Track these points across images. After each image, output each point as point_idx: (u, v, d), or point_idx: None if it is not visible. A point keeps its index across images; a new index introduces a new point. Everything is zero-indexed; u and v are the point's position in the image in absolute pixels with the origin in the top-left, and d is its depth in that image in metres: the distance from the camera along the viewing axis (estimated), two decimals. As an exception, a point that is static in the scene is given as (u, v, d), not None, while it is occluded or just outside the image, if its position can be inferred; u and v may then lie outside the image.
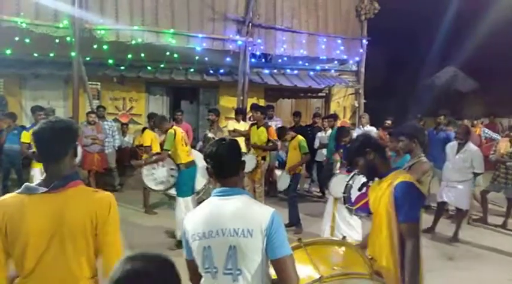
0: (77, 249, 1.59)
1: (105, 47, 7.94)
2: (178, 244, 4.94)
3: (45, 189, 1.60)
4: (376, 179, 2.32)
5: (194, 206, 5.21)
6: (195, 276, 1.80)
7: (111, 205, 1.67)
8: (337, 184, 4.73)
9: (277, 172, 8.87)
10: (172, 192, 5.56)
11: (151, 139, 6.40)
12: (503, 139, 6.57)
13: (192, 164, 5.31)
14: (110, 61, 8.48)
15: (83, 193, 1.67)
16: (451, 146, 5.76)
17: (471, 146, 5.59)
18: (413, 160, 3.40)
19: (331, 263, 1.95)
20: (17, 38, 7.26)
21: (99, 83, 9.38)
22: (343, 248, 2.15)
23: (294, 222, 5.87)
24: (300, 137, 5.99)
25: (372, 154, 2.26)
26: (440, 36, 13.74)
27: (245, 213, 1.68)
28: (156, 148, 6.32)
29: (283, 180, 5.93)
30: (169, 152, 5.16)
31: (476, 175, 5.63)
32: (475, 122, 8.87)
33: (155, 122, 5.77)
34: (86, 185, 1.77)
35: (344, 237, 2.27)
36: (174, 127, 5.32)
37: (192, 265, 1.79)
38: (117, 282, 1.05)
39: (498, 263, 4.92)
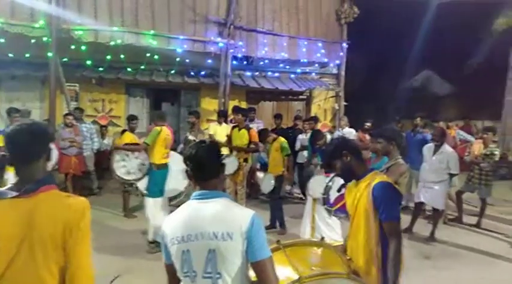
0: (47, 256, 1.54)
1: (83, 47, 7.79)
2: (154, 246, 4.93)
3: (15, 194, 1.56)
4: (353, 181, 2.35)
5: (164, 208, 5.19)
6: (174, 280, 1.79)
7: (84, 211, 1.62)
8: (316, 185, 4.78)
9: (259, 174, 8.89)
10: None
11: (130, 141, 6.32)
12: (477, 141, 6.78)
13: (164, 167, 5.25)
14: (88, 62, 8.32)
15: (55, 197, 1.62)
16: (428, 148, 5.91)
17: (447, 148, 5.75)
18: (391, 162, 3.48)
19: (310, 264, 1.97)
20: (-9, 38, 7.07)
21: (77, 84, 9.18)
22: (322, 249, 2.18)
23: (279, 223, 5.92)
24: (281, 139, 6.04)
25: (349, 156, 2.29)
26: (418, 41, 14.11)
27: (225, 216, 1.68)
28: None
29: (267, 182, 5.93)
30: (147, 147, 5.14)
31: (451, 175, 5.79)
32: (450, 124, 9.11)
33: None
34: (63, 189, 1.73)
35: (323, 238, 2.29)
36: (163, 127, 5.28)
37: (171, 269, 1.78)
38: None
39: (473, 262, 5.06)
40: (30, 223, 1.54)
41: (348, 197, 2.40)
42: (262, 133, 6.18)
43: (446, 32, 13.23)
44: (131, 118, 6.55)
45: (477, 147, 6.49)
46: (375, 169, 2.49)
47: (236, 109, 6.68)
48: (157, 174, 5.21)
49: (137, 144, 5.65)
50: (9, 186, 1.62)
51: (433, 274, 4.63)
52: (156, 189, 5.21)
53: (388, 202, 2.13)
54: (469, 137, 8.50)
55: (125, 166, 5.36)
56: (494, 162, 6.27)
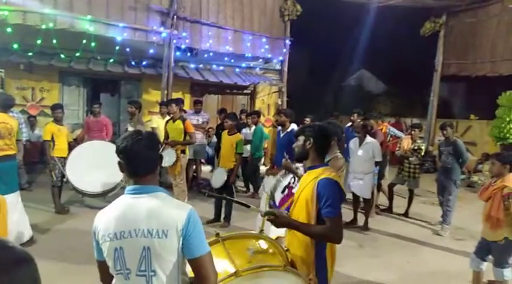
0: None
1: (9, 29, 7.12)
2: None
3: None
4: (308, 171, 2.40)
5: (14, 207, 4.46)
6: (107, 277, 1.71)
7: (0, 207, 1.50)
8: (270, 182, 4.79)
9: (204, 167, 8.79)
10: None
11: (51, 132, 5.94)
12: (406, 137, 7.31)
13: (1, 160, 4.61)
14: (15, 46, 7.64)
15: None
16: (353, 141, 6.26)
17: (369, 138, 6.15)
18: (330, 156, 3.64)
19: (248, 256, 2.00)
20: None
21: (2, 70, 8.41)
22: (260, 241, 2.21)
23: (224, 216, 5.85)
24: (240, 136, 6.01)
25: (311, 144, 2.33)
26: (356, 41, 14.83)
27: (160, 213, 1.60)
28: (61, 143, 6.01)
29: (218, 176, 5.79)
30: None
31: (377, 164, 6.17)
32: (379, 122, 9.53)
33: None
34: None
35: (261, 230, 2.33)
36: None
37: (103, 266, 1.69)
38: None
39: (401, 248, 5.48)
40: None
41: (300, 185, 2.44)
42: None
43: (382, 33, 14.05)
44: (55, 108, 6.15)
45: (406, 143, 7.00)
46: (327, 164, 2.52)
47: (164, 104, 6.48)
48: None
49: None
50: None
51: (367, 261, 4.93)
52: None
53: (332, 199, 2.15)
54: (399, 133, 9.11)
55: None
56: (421, 156, 6.82)
